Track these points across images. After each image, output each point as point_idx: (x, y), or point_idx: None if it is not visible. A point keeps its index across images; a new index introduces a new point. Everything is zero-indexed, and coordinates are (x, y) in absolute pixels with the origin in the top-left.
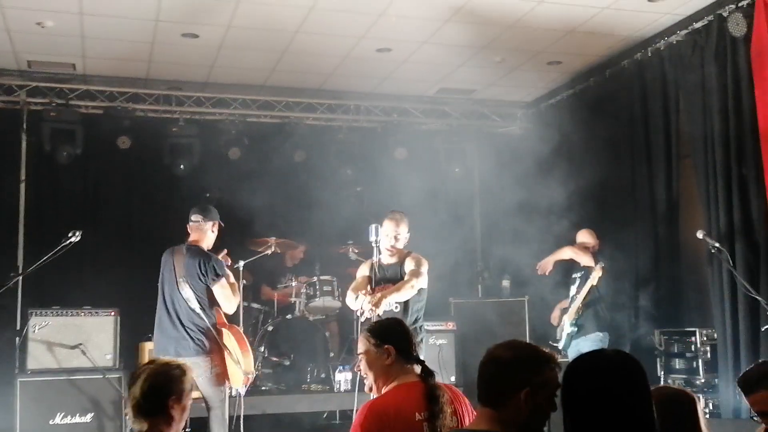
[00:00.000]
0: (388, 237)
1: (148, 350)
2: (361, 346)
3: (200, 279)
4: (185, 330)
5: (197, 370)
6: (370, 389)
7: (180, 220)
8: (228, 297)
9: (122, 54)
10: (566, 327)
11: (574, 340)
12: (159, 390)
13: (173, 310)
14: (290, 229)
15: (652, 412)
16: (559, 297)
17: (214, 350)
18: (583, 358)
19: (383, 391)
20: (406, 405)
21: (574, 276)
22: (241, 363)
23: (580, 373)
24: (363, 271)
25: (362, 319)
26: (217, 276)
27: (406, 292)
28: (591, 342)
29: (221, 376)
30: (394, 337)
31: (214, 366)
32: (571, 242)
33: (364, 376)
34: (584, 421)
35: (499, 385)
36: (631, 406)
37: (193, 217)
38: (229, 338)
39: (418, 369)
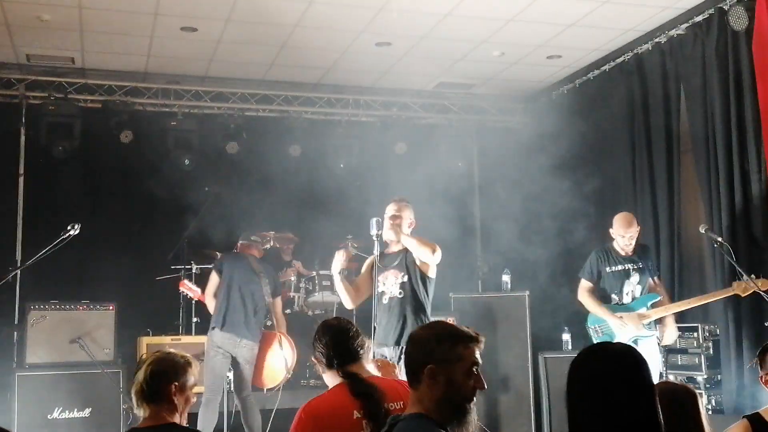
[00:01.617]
0: (388, 214)
1: (146, 344)
2: None
3: (271, 285)
4: (255, 318)
5: (249, 354)
6: None
7: (179, 214)
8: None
9: (121, 48)
10: (638, 328)
11: (642, 340)
12: (161, 375)
13: (250, 300)
14: (289, 223)
15: (655, 407)
16: (559, 291)
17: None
18: (585, 352)
19: None
20: (343, 404)
21: (624, 267)
22: (288, 361)
23: (581, 366)
24: (363, 269)
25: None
26: (280, 293)
27: (424, 249)
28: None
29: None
30: (318, 349)
31: (255, 354)
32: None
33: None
34: (584, 415)
35: (410, 363)
36: (633, 401)
37: (253, 237)
38: (284, 342)
39: (370, 367)
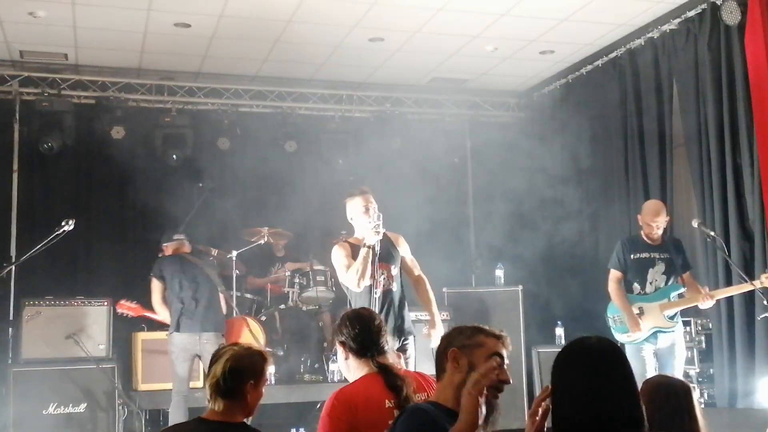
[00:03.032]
0: (373, 209)
1: (141, 340)
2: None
3: (216, 275)
4: (212, 310)
5: (214, 347)
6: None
7: (173, 210)
8: None
9: (114, 44)
10: (658, 320)
11: (663, 333)
12: (239, 372)
13: (202, 294)
14: (283, 218)
15: (635, 400)
16: (552, 286)
17: (226, 332)
18: (565, 348)
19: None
20: (376, 392)
21: (649, 255)
22: (261, 340)
23: (561, 362)
24: (348, 253)
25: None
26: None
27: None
28: (681, 330)
29: None
30: (346, 333)
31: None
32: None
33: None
34: (566, 410)
35: (437, 355)
36: (612, 395)
37: (176, 237)
38: (253, 325)
39: (390, 358)
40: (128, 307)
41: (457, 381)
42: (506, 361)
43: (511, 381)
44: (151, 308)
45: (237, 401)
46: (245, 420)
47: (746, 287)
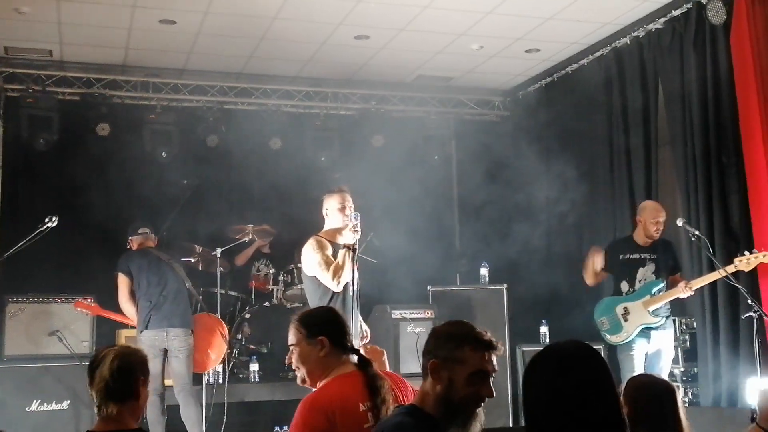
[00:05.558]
0: (349, 208)
1: (125, 337)
2: (292, 337)
3: (183, 270)
4: (181, 306)
5: (181, 343)
6: (303, 381)
7: (157, 207)
8: None
9: (99, 40)
10: (643, 316)
11: (655, 330)
12: (128, 370)
13: (170, 290)
14: (267, 216)
15: (614, 403)
16: (537, 284)
17: (194, 329)
18: (536, 356)
19: (320, 383)
20: (350, 396)
21: (640, 256)
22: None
23: (532, 370)
24: (327, 249)
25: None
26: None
27: None
28: (671, 333)
29: (193, 357)
30: (327, 327)
31: (191, 344)
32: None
33: (295, 368)
34: (542, 419)
35: (423, 354)
36: (590, 400)
37: (141, 230)
38: (219, 321)
39: (354, 358)
40: (86, 306)
41: (438, 393)
42: (493, 373)
43: (494, 395)
44: (109, 308)
45: (129, 402)
46: (139, 426)
47: (723, 273)
